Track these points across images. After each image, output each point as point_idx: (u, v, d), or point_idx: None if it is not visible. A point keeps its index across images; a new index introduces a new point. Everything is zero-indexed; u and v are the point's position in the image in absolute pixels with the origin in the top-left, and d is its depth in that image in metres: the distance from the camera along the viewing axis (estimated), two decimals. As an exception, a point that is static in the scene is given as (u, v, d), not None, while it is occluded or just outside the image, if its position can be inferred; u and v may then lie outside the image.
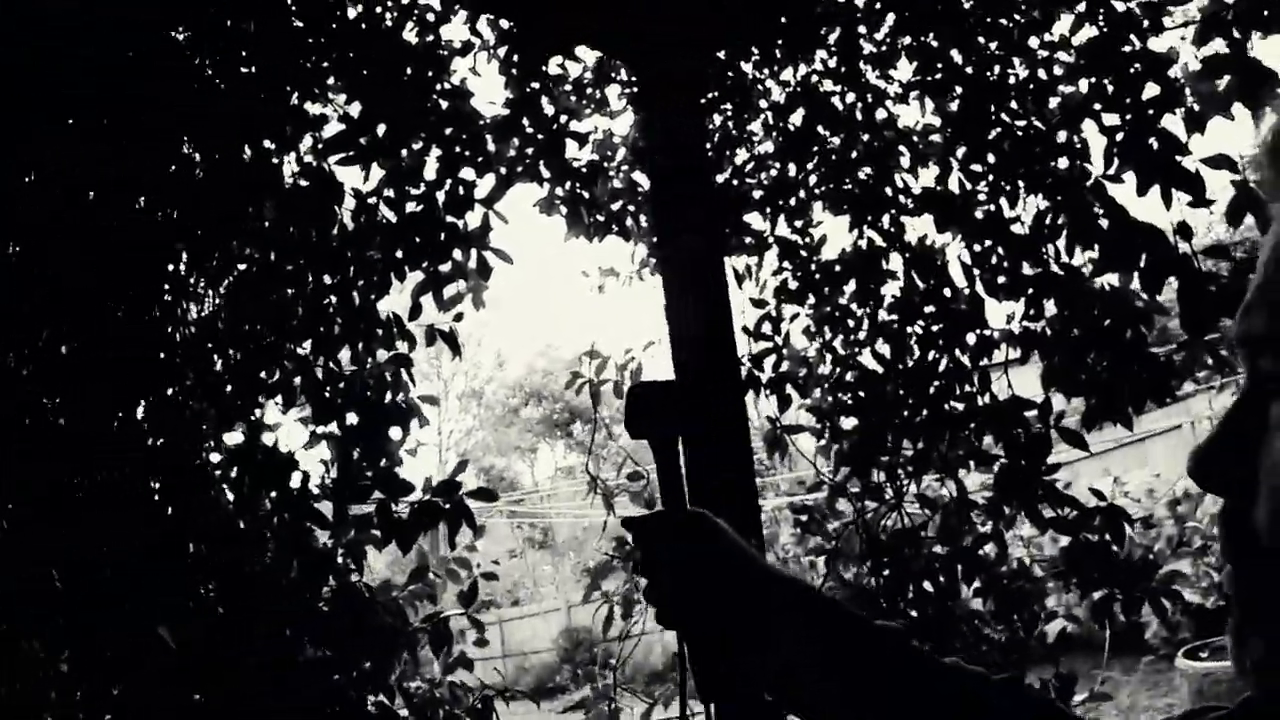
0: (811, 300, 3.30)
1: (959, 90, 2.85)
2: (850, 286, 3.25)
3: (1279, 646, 0.49)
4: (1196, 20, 2.06)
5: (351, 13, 2.67)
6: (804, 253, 3.27)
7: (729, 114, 3.35)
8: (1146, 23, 2.28)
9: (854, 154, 3.27)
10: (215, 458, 2.43)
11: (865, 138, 3.16)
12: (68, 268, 2.22)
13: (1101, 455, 8.58)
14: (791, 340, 3.13)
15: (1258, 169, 0.53)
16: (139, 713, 1.85)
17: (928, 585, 2.58)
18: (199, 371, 2.40)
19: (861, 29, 3.22)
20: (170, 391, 2.35)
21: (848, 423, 2.94)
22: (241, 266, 2.55)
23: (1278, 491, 0.48)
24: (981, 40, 2.75)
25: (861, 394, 3.03)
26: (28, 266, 2.20)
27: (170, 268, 2.46)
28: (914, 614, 2.56)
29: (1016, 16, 2.65)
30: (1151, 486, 8.11)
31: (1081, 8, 2.34)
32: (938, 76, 2.85)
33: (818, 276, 3.27)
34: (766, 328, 3.12)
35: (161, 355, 2.41)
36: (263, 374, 2.50)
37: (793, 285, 3.30)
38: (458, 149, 2.80)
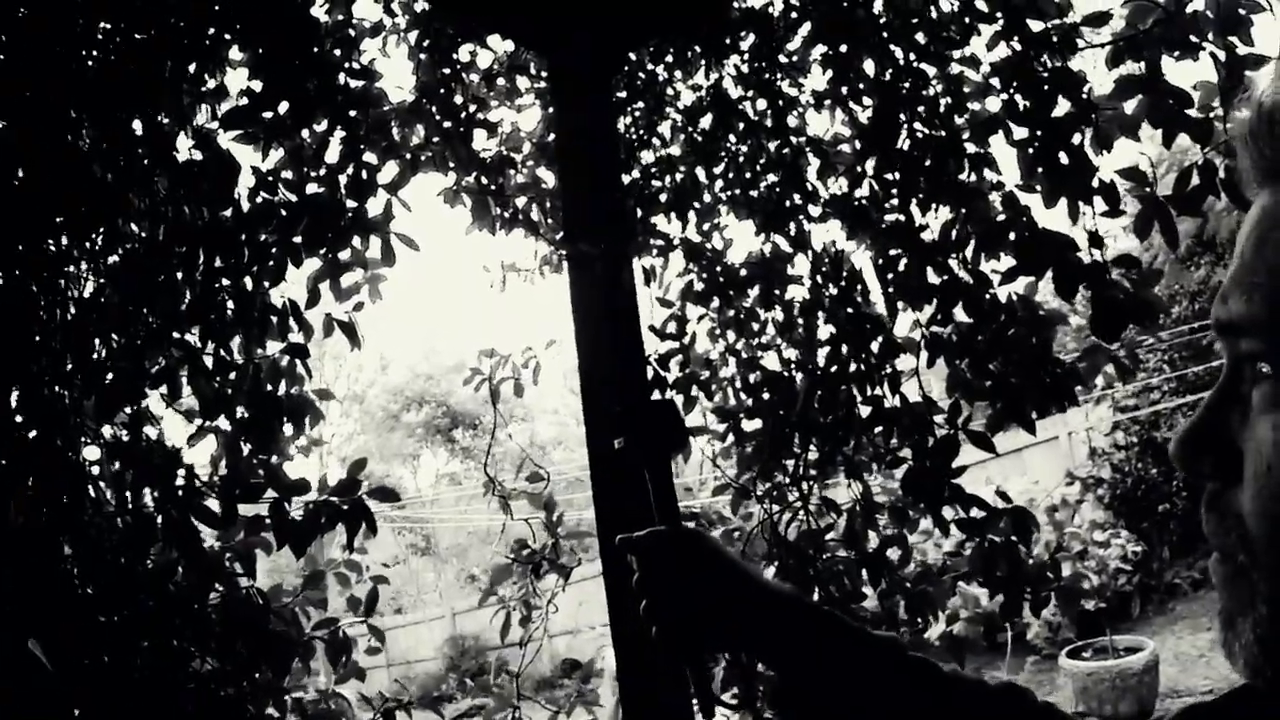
0: (716, 303, 3.32)
1: (871, 100, 2.92)
2: (755, 290, 3.28)
3: (1268, 632, 0.49)
4: (1110, 42, 2.16)
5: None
6: (709, 256, 3.30)
7: (638, 114, 3.35)
8: (1059, 43, 2.38)
9: (762, 160, 3.32)
10: (94, 453, 2.27)
11: (774, 145, 3.21)
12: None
13: (982, 464, 8.96)
14: (697, 342, 3.14)
15: (1233, 154, 0.57)
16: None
17: (833, 589, 2.63)
18: (78, 358, 2.24)
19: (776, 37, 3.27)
20: (45, 379, 2.18)
21: (751, 425, 2.97)
22: (127, 245, 2.40)
23: (1261, 475, 0.49)
24: (897, 52, 2.82)
25: (765, 396, 3.06)
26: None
27: (48, 244, 2.29)
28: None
29: (934, 31, 2.73)
30: (1031, 495, 8.50)
31: (998, 26, 2.42)
32: (855, 86, 2.91)
33: (723, 280, 3.29)
34: (673, 328, 3.13)
35: (36, 339, 2.24)
36: (146, 362, 2.35)
37: (698, 287, 3.31)
38: (363, 132, 2.71)
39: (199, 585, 2.14)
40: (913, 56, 2.68)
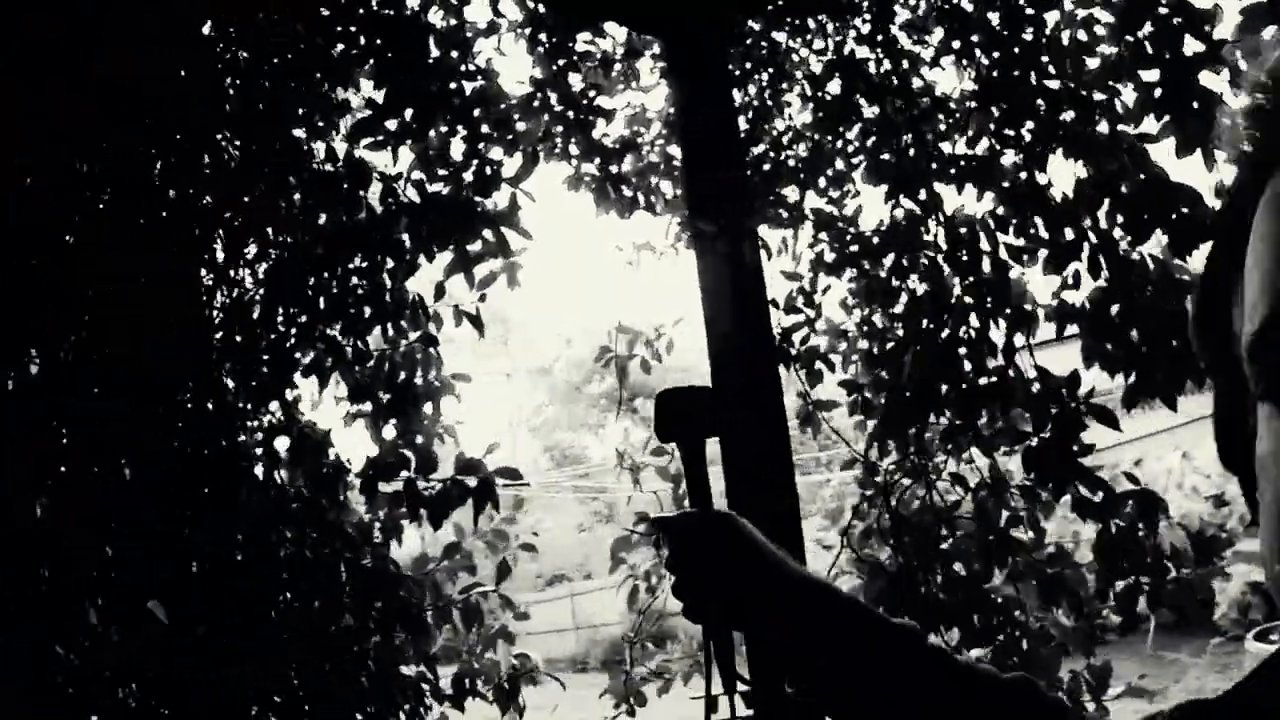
0: (850, 273, 3.30)
1: (994, 54, 2.81)
2: (889, 259, 3.23)
3: None
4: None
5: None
6: (840, 225, 3.27)
7: (764, 85, 3.35)
8: None
9: (893, 122, 3.25)
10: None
11: (900, 105, 3.14)
12: (109, 252, 2.36)
13: (1174, 430, 8.38)
14: (824, 314, 3.13)
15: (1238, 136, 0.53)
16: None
17: (959, 568, 2.59)
18: (235, 352, 2.53)
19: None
20: (208, 371, 2.48)
21: (881, 399, 2.95)
22: (274, 251, 2.67)
23: (1263, 487, 0.50)
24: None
25: (894, 367, 3.03)
26: (75, 250, 2.35)
27: (207, 255, 2.59)
28: (943, 597, 2.58)
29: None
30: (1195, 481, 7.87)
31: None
32: (971, 39, 2.82)
33: (855, 249, 3.26)
34: (799, 301, 3.14)
35: (201, 337, 2.55)
36: (296, 354, 2.62)
37: (829, 258, 3.30)
38: (484, 129, 2.87)
39: (333, 552, 2.39)
40: (1027, 5, 2.57)
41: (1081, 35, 2.70)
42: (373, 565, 2.50)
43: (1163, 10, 2.27)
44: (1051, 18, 2.61)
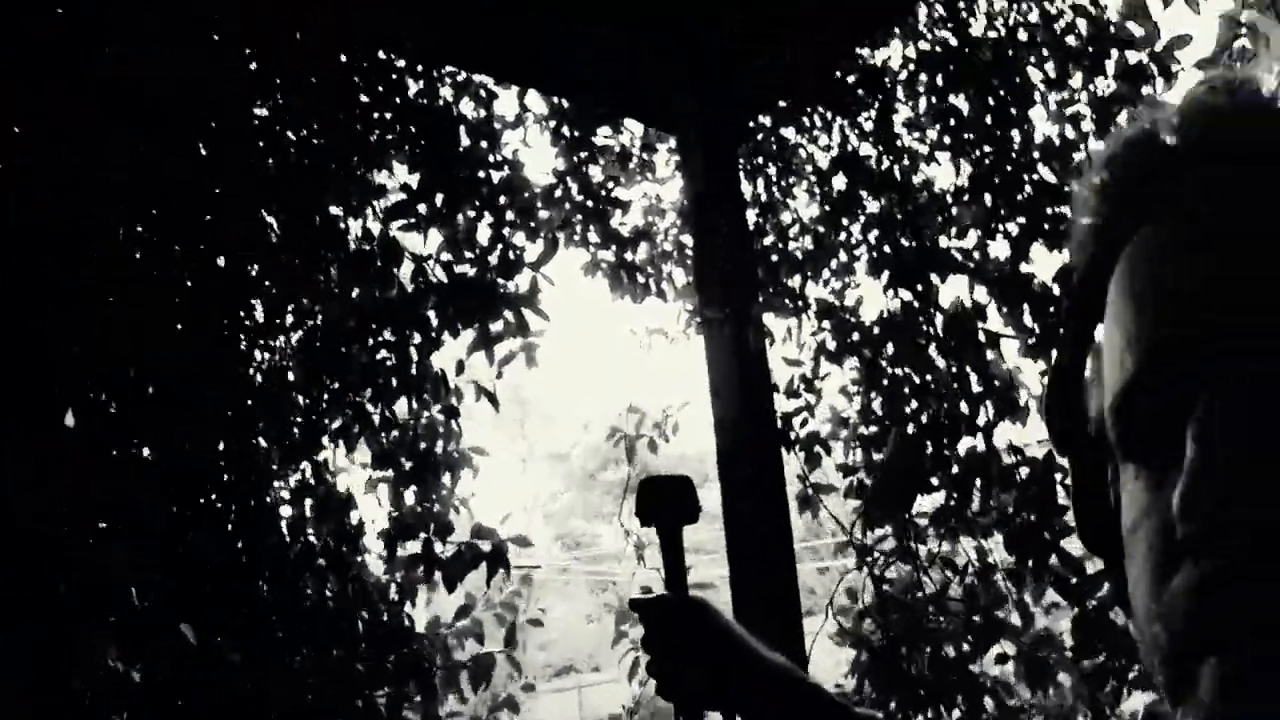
0: (851, 361, 3.48)
1: (985, 149, 3.04)
2: (889, 348, 3.41)
3: None
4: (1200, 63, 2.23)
5: (413, 89, 3.03)
6: (842, 314, 3.46)
7: (772, 179, 3.59)
8: (1157, 71, 2.45)
9: (897, 216, 3.46)
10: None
11: (899, 199, 3.36)
12: (154, 316, 2.58)
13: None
14: (824, 399, 3.31)
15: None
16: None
17: (950, 650, 2.70)
18: (269, 415, 2.72)
19: (899, 93, 3.44)
20: (244, 432, 2.67)
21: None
22: (309, 321, 2.88)
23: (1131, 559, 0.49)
24: (1005, 96, 2.95)
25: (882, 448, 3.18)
26: (120, 311, 2.56)
27: (249, 318, 2.80)
28: (930, 677, 2.68)
29: (1033, 73, 2.85)
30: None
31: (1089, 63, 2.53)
32: (965, 136, 3.05)
33: (856, 337, 3.45)
34: (800, 387, 3.31)
35: (238, 400, 2.74)
36: (325, 420, 2.81)
37: (831, 346, 3.48)
38: (509, 216, 3.11)
39: (350, 607, 2.54)
40: (1013, 102, 2.81)
41: (1069, 132, 2.94)
42: (389, 620, 2.65)
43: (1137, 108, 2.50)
44: (1039, 115, 2.85)
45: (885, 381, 3.43)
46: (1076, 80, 2.84)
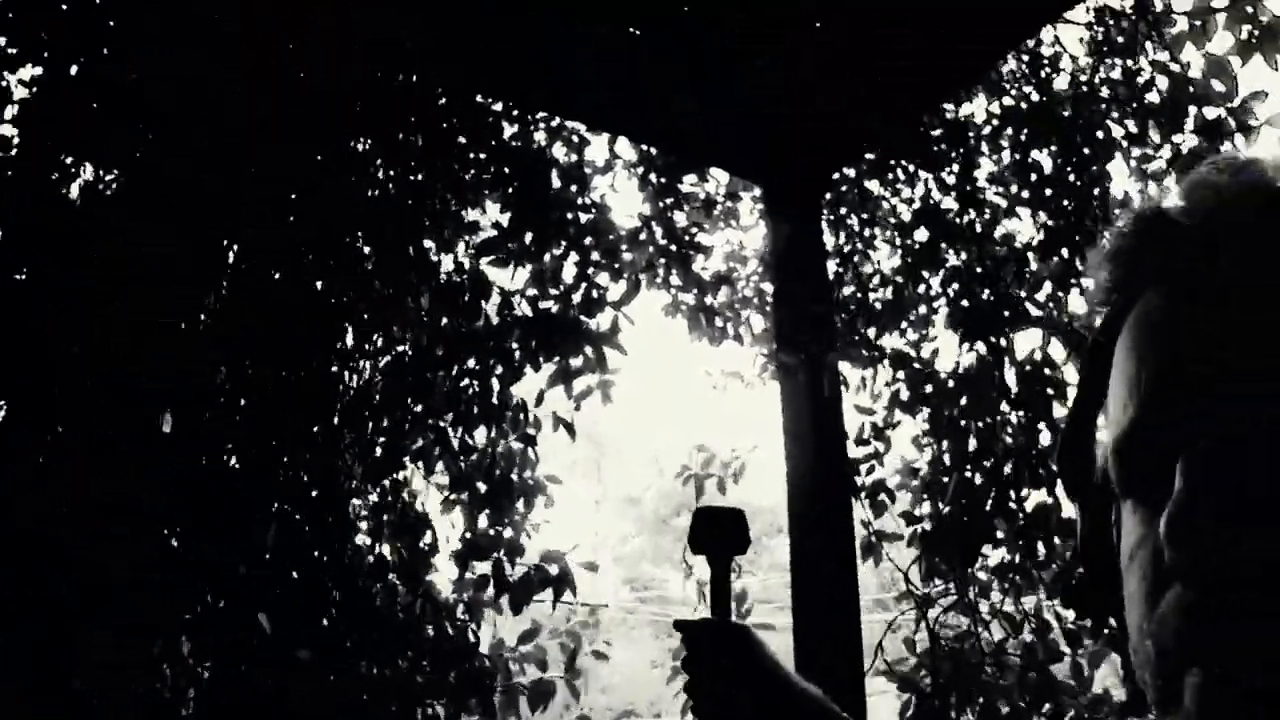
0: (924, 412, 3.51)
1: (1064, 203, 3.08)
2: (962, 400, 3.44)
3: None
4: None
5: (508, 132, 3.20)
6: (917, 365, 3.50)
7: (854, 230, 3.66)
8: (1235, 126, 2.48)
9: (976, 270, 3.50)
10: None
11: (979, 253, 3.40)
12: (252, 335, 2.77)
13: None
14: (893, 447, 3.34)
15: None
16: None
17: (1003, 706, 2.69)
18: (355, 433, 2.88)
19: (984, 146, 3.50)
20: (328, 448, 2.84)
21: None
22: (398, 347, 3.05)
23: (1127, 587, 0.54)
24: (1086, 152, 2.99)
25: (961, 502, 3.20)
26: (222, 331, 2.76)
27: (340, 342, 2.98)
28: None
29: (1115, 129, 2.89)
30: None
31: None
32: (1045, 191, 3.10)
33: (930, 389, 3.48)
34: (870, 435, 3.35)
35: (325, 417, 2.92)
36: (407, 441, 2.96)
37: (905, 396, 3.52)
38: (594, 256, 3.25)
39: (417, 620, 2.66)
40: (1093, 156, 2.85)
41: (1150, 188, 2.96)
42: (455, 637, 2.76)
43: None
44: (1120, 170, 2.88)
45: (955, 433, 3.45)
46: (1156, 136, 2.87)
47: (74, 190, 2.58)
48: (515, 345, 3.18)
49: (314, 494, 2.77)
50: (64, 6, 2.77)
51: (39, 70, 2.57)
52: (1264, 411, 0.46)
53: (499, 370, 3.18)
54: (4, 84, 2.55)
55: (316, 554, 2.62)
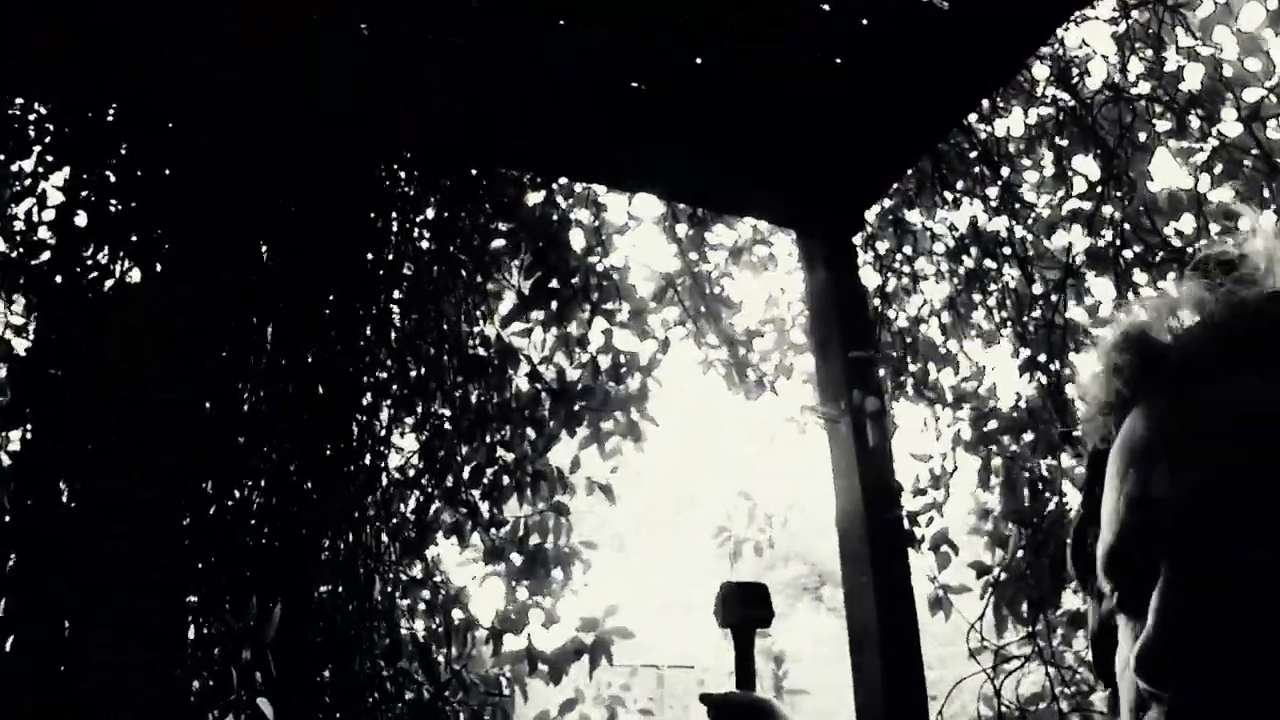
0: (985, 449, 3.35)
1: (1110, 212, 2.93)
2: (1027, 436, 3.27)
3: None
4: None
5: (532, 199, 3.28)
6: (977, 402, 3.36)
7: (897, 264, 3.57)
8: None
9: (1032, 291, 3.35)
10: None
11: (1034, 272, 3.26)
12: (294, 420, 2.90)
13: None
14: (954, 493, 3.18)
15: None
16: None
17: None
18: (388, 513, 2.96)
19: (1025, 160, 3.38)
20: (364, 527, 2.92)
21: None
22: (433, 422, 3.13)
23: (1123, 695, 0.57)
24: (1125, 153, 2.86)
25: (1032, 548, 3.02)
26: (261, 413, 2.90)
27: (376, 421, 3.08)
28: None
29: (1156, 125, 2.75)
30: None
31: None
32: (1086, 204, 2.96)
33: (994, 425, 3.33)
34: (927, 483, 3.21)
35: (366, 499, 3.01)
36: (441, 516, 3.01)
37: (967, 435, 3.37)
38: (620, 318, 3.27)
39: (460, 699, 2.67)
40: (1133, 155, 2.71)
41: (1201, 182, 2.79)
42: (491, 713, 2.75)
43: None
44: (1167, 166, 2.71)
45: (1025, 473, 3.27)
46: (1197, 127, 2.70)
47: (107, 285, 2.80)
48: (546, 414, 3.21)
49: (359, 571, 2.85)
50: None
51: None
52: (1225, 566, 0.51)
53: (531, 438, 3.21)
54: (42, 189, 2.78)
55: (351, 632, 2.68)
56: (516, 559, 3.07)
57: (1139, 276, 2.92)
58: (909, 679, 2.95)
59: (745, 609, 1.30)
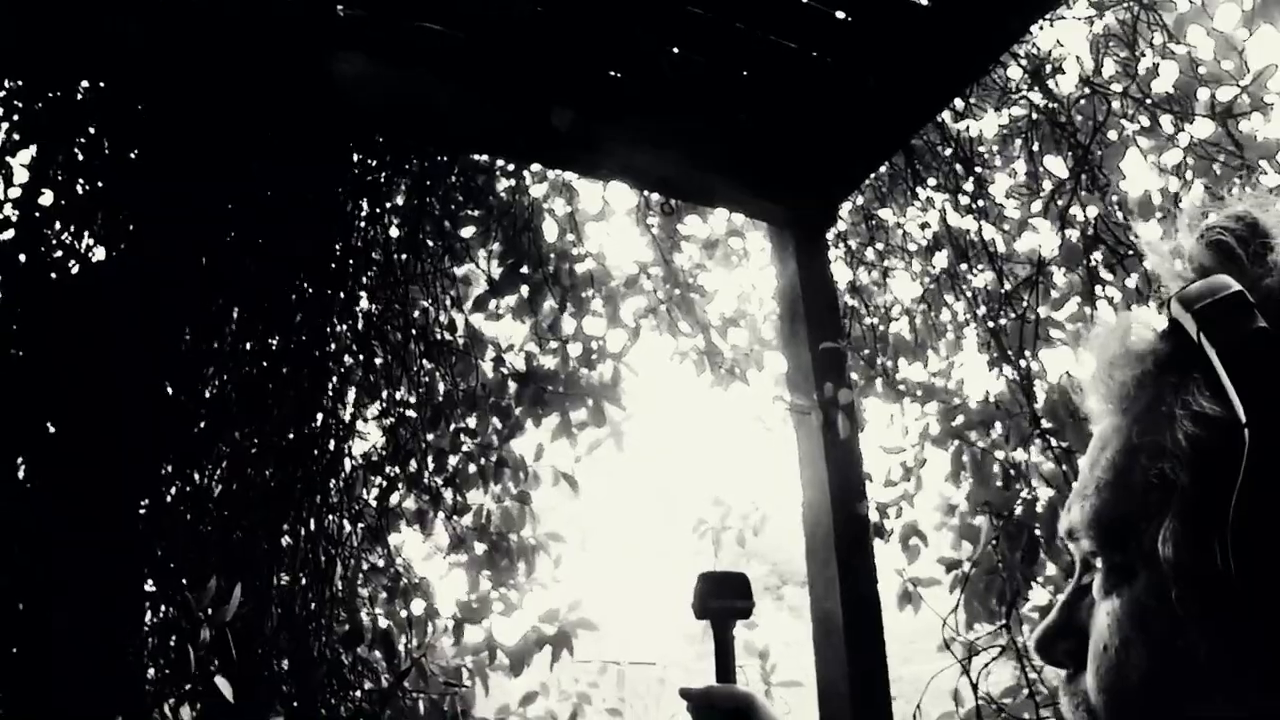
0: (953, 445, 3.41)
1: (1085, 212, 2.99)
2: (995, 430, 3.33)
3: None
4: None
5: (502, 186, 3.31)
6: (944, 397, 3.42)
7: (869, 260, 3.62)
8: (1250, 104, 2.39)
9: (1002, 290, 3.42)
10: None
11: (1003, 271, 3.32)
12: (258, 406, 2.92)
13: None
14: (924, 486, 3.24)
15: (1080, 392, 0.67)
16: None
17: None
18: (350, 499, 2.98)
19: (996, 160, 3.43)
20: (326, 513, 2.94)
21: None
22: (398, 410, 3.15)
23: (1099, 654, 0.58)
24: (1097, 153, 2.92)
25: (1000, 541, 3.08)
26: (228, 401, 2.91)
27: (341, 408, 3.11)
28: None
29: (1126, 125, 2.81)
30: None
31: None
32: (1059, 201, 3.01)
33: (961, 420, 3.38)
34: (898, 475, 3.26)
35: (329, 485, 3.03)
36: (403, 503, 3.04)
37: (935, 430, 3.42)
38: (593, 306, 3.30)
39: (419, 689, 2.70)
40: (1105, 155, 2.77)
41: (1170, 183, 2.85)
42: (450, 709, 2.78)
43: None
44: (1139, 166, 2.79)
45: (994, 468, 3.34)
46: (1169, 125, 2.77)
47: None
48: (511, 401, 3.24)
49: (320, 557, 2.87)
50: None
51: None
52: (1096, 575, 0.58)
53: (497, 426, 3.24)
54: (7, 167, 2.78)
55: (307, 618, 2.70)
56: (479, 548, 3.10)
57: (1106, 275, 2.99)
58: (873, 670, 3.00)
59: (724, 599, 1.29)
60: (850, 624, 3.09)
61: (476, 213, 3.28)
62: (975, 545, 3.11)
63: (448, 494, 3.09)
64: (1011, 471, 3.22)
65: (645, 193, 3.57)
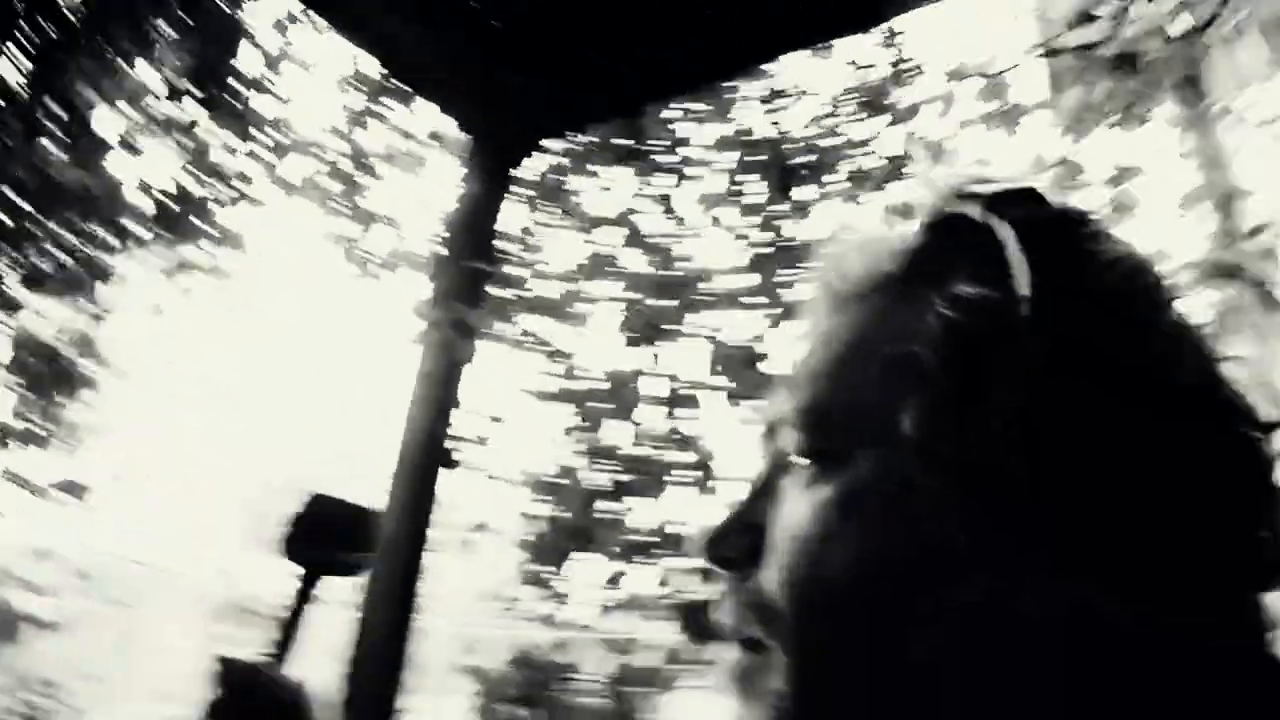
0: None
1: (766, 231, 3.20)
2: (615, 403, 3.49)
3: (796, 711, 0.51)
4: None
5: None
6: (568, 361, 3.53)
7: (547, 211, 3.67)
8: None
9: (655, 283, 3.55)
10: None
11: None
12: None
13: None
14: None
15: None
16: None
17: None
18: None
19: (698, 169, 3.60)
20: None
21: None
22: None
23: (785, 545, 0.54)
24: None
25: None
26: None
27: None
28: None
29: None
30: None
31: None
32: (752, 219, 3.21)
33: (574, 385, 3.52)
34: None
35: None
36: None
37: (552, 390, 3.53)
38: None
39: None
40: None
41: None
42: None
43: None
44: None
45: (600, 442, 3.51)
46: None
47: None
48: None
49: None
50: None
51: None
52: None
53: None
54: None
55: None
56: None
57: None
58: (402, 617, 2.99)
59: (320, 540, 0.92)
60: (400, 562, 3.06)
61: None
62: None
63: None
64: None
65: (365, 51, 3.35)
